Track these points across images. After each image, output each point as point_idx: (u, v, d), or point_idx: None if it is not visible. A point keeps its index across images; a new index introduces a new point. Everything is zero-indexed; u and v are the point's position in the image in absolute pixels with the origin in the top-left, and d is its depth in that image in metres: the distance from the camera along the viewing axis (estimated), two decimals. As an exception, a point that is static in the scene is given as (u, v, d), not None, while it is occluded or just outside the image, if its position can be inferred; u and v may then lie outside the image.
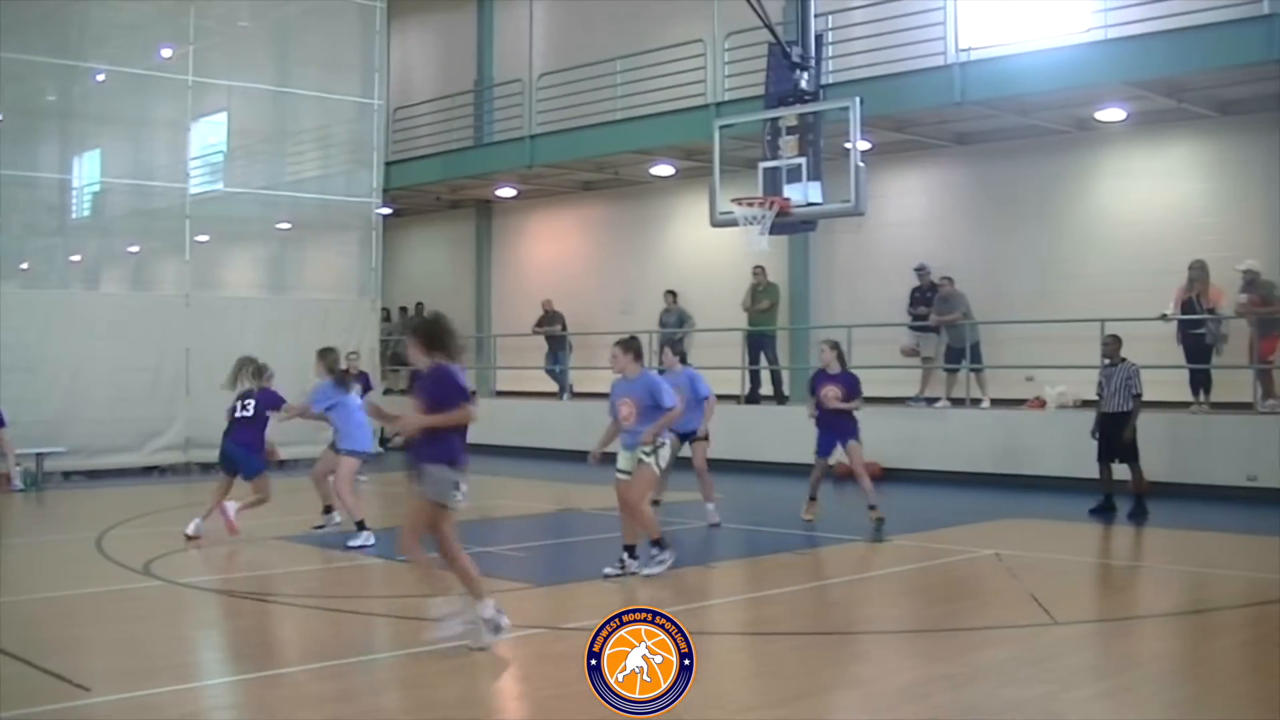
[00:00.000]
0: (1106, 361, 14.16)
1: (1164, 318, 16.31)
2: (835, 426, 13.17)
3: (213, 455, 19.96)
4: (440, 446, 7.58)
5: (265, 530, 13.02)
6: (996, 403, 18.13)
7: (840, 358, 13.42)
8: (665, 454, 10.01)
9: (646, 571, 9.86)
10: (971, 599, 9.94)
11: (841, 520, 13.35)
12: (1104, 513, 13.86)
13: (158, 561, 10.92)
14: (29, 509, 16.09)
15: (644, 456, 9.89)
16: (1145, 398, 13.99)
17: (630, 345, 10.16)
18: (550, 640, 8.20)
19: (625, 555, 10.07)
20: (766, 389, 20.65)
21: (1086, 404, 16.93)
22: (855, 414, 13.20)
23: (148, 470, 19.59)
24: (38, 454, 17.99)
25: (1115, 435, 13.87)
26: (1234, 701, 6.83)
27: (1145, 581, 10.68)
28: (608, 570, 10.06)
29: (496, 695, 7.22)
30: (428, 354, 7.71)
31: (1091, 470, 14.44)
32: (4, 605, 9.20)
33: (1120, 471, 13.95)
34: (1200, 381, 16.29)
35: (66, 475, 18.61)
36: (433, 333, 7.77)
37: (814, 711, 6.71)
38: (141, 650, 7.91)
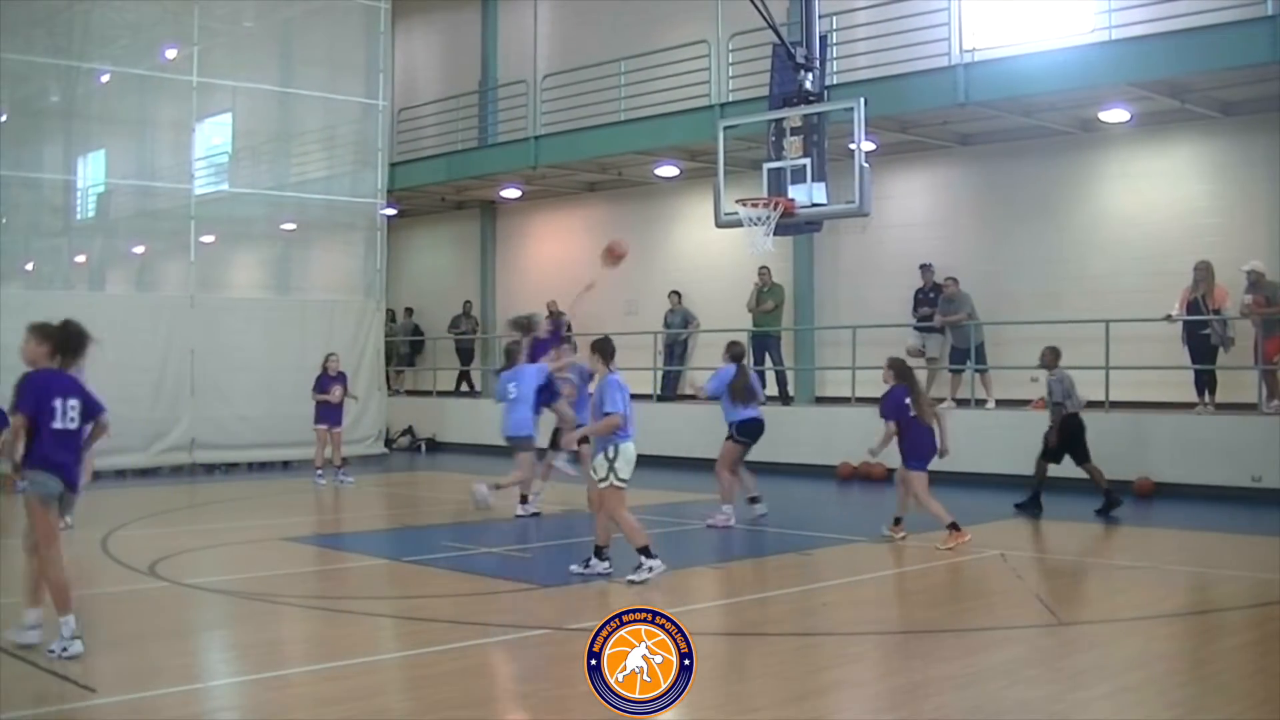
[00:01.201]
0: (1047, 372, 14.49)
1: (1169, 319, 16.31)
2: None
3: (218, 456, 20.22)
4: (31, 453, 7.48)
5: (267, 531, 13.05)
6: (1001, 403, 18.12)
7: (896, 374, 12.28)
8: (622, 465, 9.83)
9: (631, 578, 9.71)
10: (976, 599, 9.94)
11: (846, 521, 13.34)
12: (1108, 510, 14.02)
13: (163, 562, 10.93)
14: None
15: (598, 477, 9.87)
16: (1151, 399, 14.05)
17: (595, 345, 10.25)
18: (555, 640, 8.21)
19: (593, 556, 10.11)
20: (771, 390, 20.62)
21: (1092, 405, 16.93)
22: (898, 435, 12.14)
23: (154, 471, 19.61)
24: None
25: (1063, 437, 14.25)
26: (1238, 702, 6.82)
27: (1150, 582, 10.67)
28: (574, 567, 10.13)
29: (502, 696, 7.22)
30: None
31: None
32: (8, 606, 9.22)
33: (1121, 471, 13.95)
34: (1205, 382, 16.28)
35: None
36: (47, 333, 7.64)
37: (819, 712, 6.71)
38: (146, 651, 7.91)
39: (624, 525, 9.88)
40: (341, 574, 11.30)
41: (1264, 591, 9.82)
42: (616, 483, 9.85)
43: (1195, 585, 10.59)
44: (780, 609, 9.48)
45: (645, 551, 9.80)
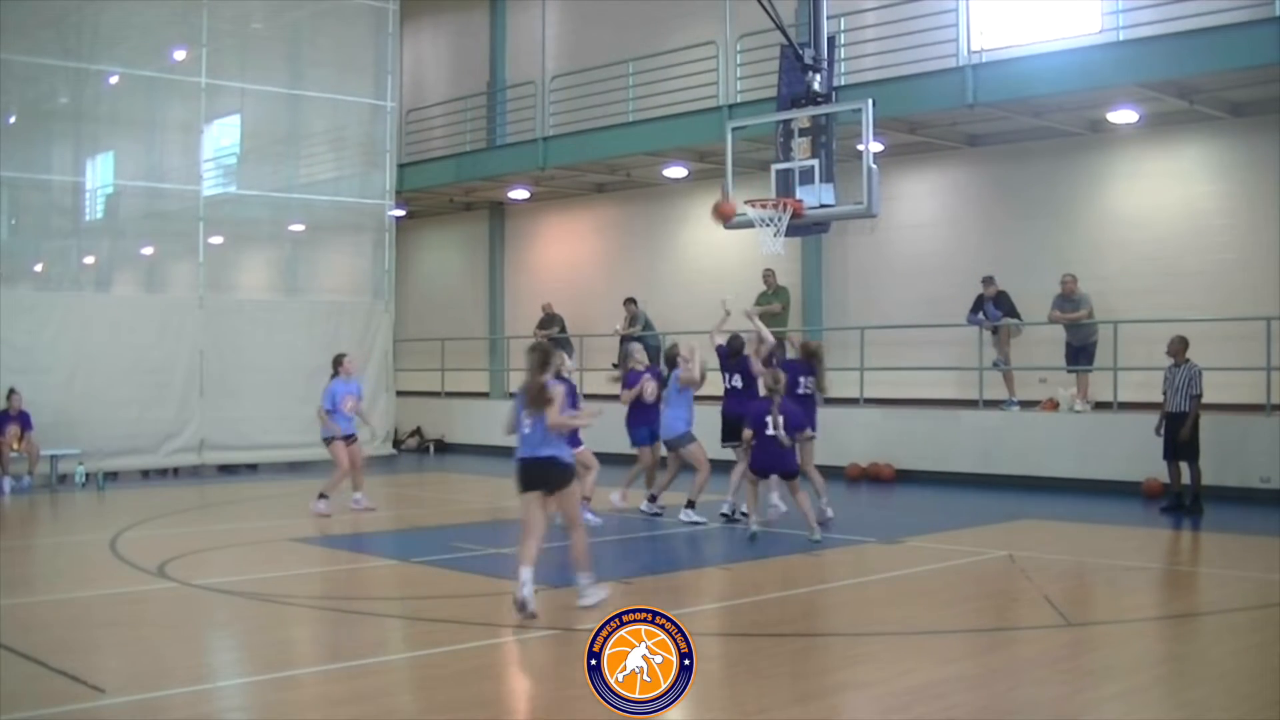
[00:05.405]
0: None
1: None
2: None
3: (225, 457, 20.28)
4: None
5: (276, 532, 13.06)
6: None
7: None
8: None
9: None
10: (985, 600, 9.93)
11: (854, 522, 13.34)
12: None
13: (172, 563, 10.96)
14: (43, 511, 16.15)
15: None
16: (1160, 400, 14.00)
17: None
18: (562, 641, 8.21)
19: None
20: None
21: (1099, 406, 16.93)
22: None
23: (162, 472, 19.67)
24: (52, 456, 18.06)
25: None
26: (1246, 703, 6.81)
27: (1158, 583, 10.66)
28: None
29: (509, 696, 7.23)
30: None
31: (1103, 471, 14.33)
32: (18, 606, 9.24)
33: (1128, 471, 13.89)
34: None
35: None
36: None
37: (827, 712, 6.71)
38: (155, 652, 7.94)
39: None
40: (350, 575, 11.31)
41: (1273, 592, 9.79)
42: None
43: (1204, 586, 10.57)
44: (788, 609, 9.48)
45: None
